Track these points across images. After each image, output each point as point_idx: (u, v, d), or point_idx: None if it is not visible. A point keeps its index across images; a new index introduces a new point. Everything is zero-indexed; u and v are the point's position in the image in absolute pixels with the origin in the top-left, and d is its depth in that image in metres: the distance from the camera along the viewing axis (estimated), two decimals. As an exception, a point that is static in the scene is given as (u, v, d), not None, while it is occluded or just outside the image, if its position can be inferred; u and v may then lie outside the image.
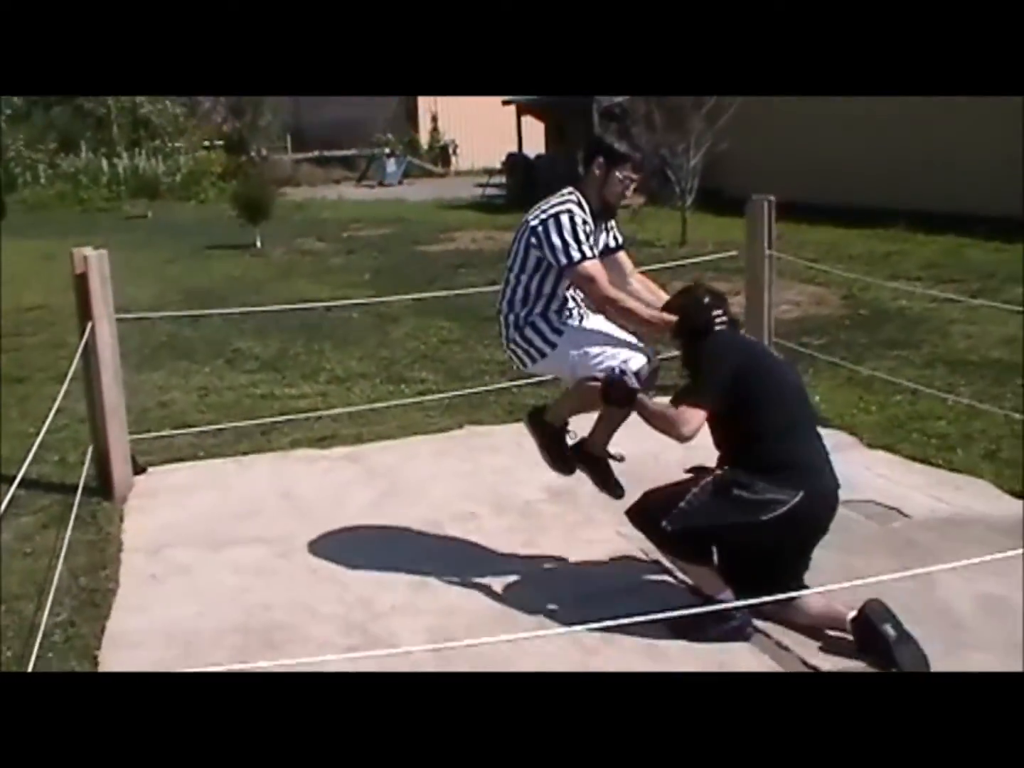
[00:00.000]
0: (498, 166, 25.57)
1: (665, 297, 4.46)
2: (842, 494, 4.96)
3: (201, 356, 8.71)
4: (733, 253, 7.98)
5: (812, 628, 3.93)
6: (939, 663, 3.67)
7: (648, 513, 3.96)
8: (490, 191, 24.18)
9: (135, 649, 3.85)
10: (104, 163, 27.12)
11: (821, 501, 4.02)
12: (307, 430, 6.48)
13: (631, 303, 4.28)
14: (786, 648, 3.81)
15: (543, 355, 4.37)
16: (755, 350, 4.44)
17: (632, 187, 4.36)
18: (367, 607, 4.16)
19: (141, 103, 30.12)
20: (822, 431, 6.06)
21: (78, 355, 5.34)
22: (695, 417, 3.90)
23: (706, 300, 4.20)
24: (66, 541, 4.59)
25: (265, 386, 7.63)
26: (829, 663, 3.68)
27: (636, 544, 4.53)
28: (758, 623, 3.95)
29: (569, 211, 4.24)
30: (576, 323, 4.40)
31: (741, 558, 3.96)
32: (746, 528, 3.82)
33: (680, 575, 4.23)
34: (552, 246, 4.21)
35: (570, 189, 4.36)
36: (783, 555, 3.96)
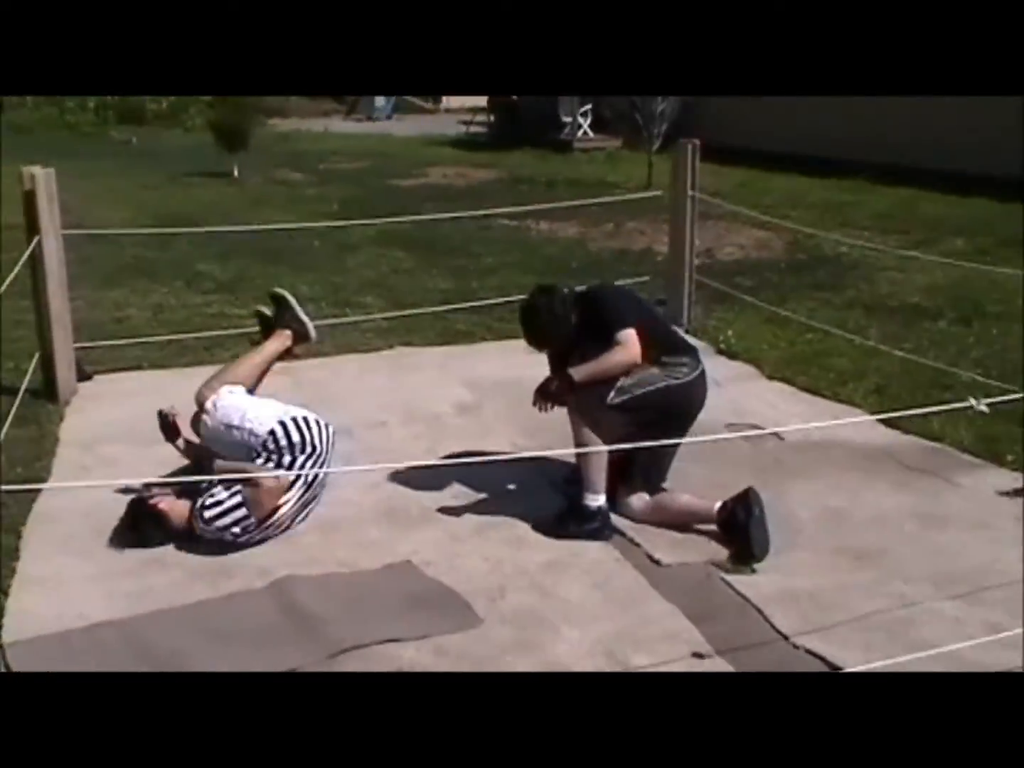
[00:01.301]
0: (484, 104, 25.73)
1: None
2: (728, 418, 5.44)
3: (162, 277, 9.08)
4: (658, 193, 8.35)
5: (680, 525, 4.42)
6: (770, 560, 4.14)
7: (595, 392, 4.39)
8: (474, 129, 24.36)
9: (55, 524, 4.30)
10: (92, 88, 27.20)
11: (702, 384, 4.61)
12: (247, 347, 6.87)
13: None
14: (636, 544, 4.26)
15: None
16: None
17: None
18: (271, 499, 4.60)
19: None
20: (728, 362, 6.56)
21: (19, 266, 5.69)
22: (631, 338, 4.40)
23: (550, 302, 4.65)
24: (2, 435, 4.99)
25: (217, 306, 8.03)
26: (671, 557, 4.14)
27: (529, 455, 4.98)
28: (620, 524, 4.41)
29: None
30: None
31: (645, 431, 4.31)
32: (665, 391, 4.44)
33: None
34: None
35: None
36: (670, 428, 4.35)
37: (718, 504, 4.36)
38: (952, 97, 15.15)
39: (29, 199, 5.69)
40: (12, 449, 5.03)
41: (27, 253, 5.65)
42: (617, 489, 4.49)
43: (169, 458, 4.91)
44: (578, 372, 4.38)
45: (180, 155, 18.98)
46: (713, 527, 4.35)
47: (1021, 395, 4.63)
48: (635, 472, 4.51)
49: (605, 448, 4.31)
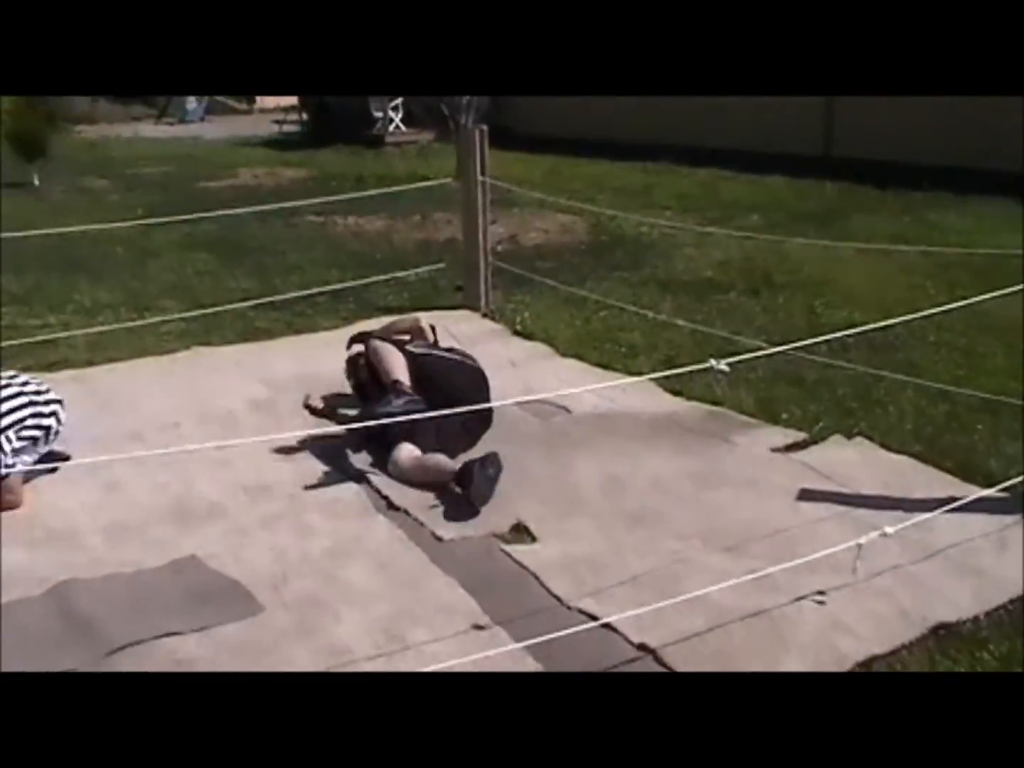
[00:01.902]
0: (296, 103, 25.52)
1: None
2: (520, 396, 5.58)
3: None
4: (447, 180, 8.48)
5: (431, 484, 4.63)
6: (549, 528, 4.28)
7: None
8: (287, 128, 24.14)
9: None
10: None
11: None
12: (40, 356, 6.72)
13: None
14: (421, 523, 4.35)
15: None
16: None
17: None
18: (54, 507, 4.53)
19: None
20: (524, 343, 6.72)
21: None
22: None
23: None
24: None
25: (9, 318, 7.78)
26: (453, 532, 4.24)
27: (317, 449, 5.04)
28: (405, 504, 4.50)
29: None
30: None
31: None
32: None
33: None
34: None
35: None
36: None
37: (457, 466, 4.56)
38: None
39: None
40: None
41: None
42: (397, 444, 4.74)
43: None
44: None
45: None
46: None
47: (764, 352, 4.88)
48: (414, 432, 4.72)
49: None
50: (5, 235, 9.35)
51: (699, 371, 4.50)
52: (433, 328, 5.58)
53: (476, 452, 4.81)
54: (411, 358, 5.07)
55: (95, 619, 3.60)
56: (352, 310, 7.67)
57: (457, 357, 5.27)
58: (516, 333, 7.02)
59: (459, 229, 10.89)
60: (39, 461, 4.76)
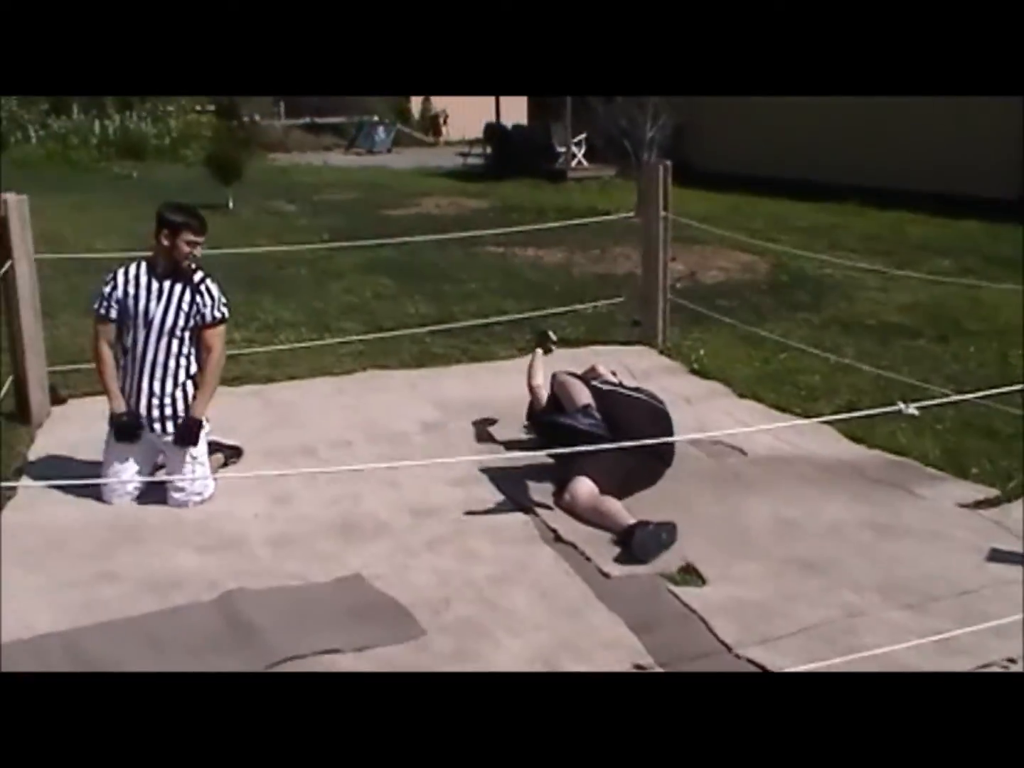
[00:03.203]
0: (481, 136, 25.90)
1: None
2: (693, 434, 5.47)
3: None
4: (628, 215, 8.40)
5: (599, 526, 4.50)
6: (719, 570, 4.13)
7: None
8: (471, 160, 24.51)
9: (12, 539, 4.33)
10: (95, 124, 27.47)
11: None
12: (224, 371, 6.91)
13: (105, 366, 4.84)
14: (588, 558, 4.26)
15: None
16: None
17: (195, 249, 4.81)
18: (228, 515, 4.62)
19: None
20: (699, 382, 6.59)
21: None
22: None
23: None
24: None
25: (198, 332, 8.07)
26: (620, 569, 4.14)
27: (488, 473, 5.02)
28: (572, 538, 4.42)
29: (115, 269, 4.87)
30: None
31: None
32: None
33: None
34: None
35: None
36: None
37: (631, 521, 4.39)
38: (944, 119, 15.32)
39: (1, 225, 5.74)
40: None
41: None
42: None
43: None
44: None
45: (178, 188, 19.07)
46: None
47: (954, 398, 4.63)
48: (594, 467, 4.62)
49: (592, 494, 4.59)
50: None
51: (884, 416, 4.31)
52: (614, 373, 5.52)
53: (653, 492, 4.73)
54: (597, 392, 4.99)
55: (259, 629, 3.64)
56: (528, 340, 7.65)
57: (643, 396, 5.16)
58: (693, 371, 6.88)
59: (638, 264, 10.90)
60: (214, 449, 4.97)
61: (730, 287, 9.73)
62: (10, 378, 6.07)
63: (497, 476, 4.96)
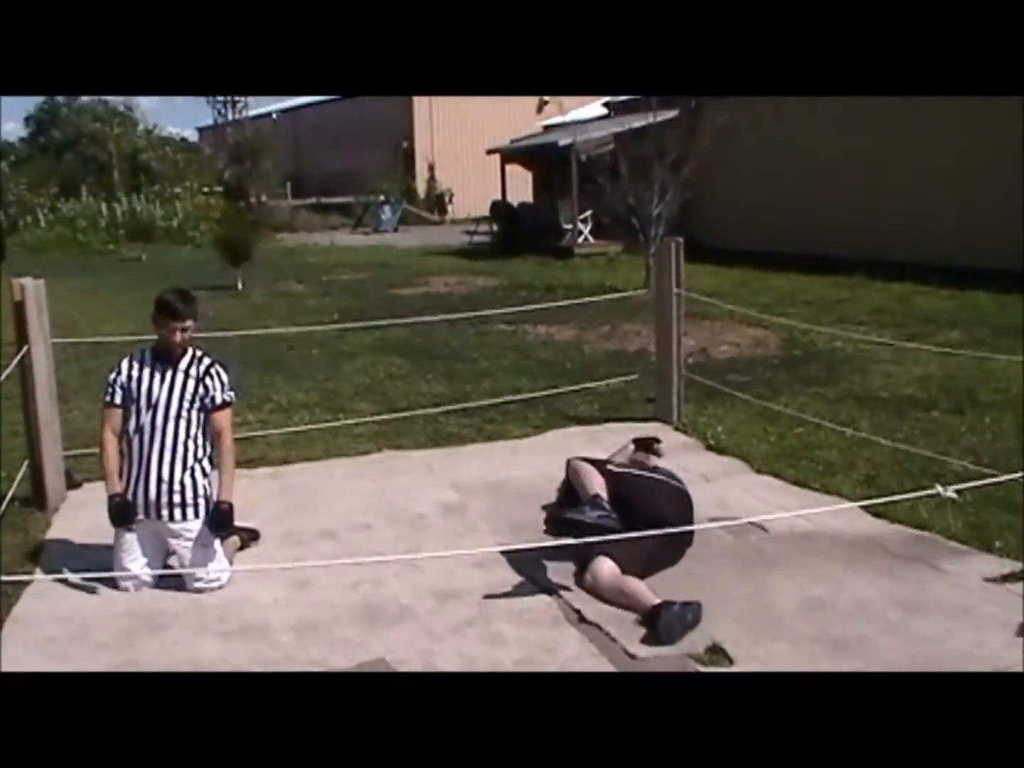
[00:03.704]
0: (487, 214, 26.17)
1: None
2: (714, 512, 5.43)
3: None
4: (639, 291, 8.42)
5: (622, 605, 4.44)
6: (747, 650, 4.08)
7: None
8: (477, 238, 24.73)
9: (33, 628, 4.29)
10: (103, 207, 27.83)
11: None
12: (239, 454, 6.89)
13: (106, 451, 4.85)
14: (614, 639, 4.21)
15: None
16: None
17: (184, 334, 4.81)
18: (249, 600, 4.58)
19: (143, 148, 30.88)
20: (717, 458, 6.56)
21: (3, 375, 5.77)
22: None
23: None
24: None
25: (211, 414, 8.07)
26: (647, 650, 4.09)
27: (508, 555, 4.97)
28: (598, 619, 4.37)
29: (121, 357, 4.96)
30: None
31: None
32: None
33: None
34: None
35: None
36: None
37: (657, 601, 4.34)
38: (949, 192, 15.43)
39: (18, 310, 5.78)
40: (-4, 555, 5.04)
41: (14, 362, 5.73)
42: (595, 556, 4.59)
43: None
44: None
45: (186, 270, 19.30)
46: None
47: (999, 479, 4.60)
48: (616, 546, 4.56)
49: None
50: (211, 335, 9.78)
51: (904, 491, 4.28)
52: (653, 451, 5.52)
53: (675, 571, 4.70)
54: (613, 477, 4.97)
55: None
56: (543, 418, 7.66)
57: (660, 477, 5.14)
58: (709, 447, 6.86)
59: (648, 340, 10.94)
60: (231, 532, 4.98)
61: (742, 362, 9.74)
62: (25, 462, 6.07)
63: (518, 558, 4.92)
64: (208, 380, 4.87)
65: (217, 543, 4.82)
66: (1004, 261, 14.46)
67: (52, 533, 5.50)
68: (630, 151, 14.90)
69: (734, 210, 18.42)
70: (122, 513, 4.79)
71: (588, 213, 20.87)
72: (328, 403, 8.36)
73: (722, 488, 5.97)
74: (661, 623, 4.16)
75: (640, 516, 4.57)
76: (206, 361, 4.93)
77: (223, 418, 4.90)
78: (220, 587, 4.72)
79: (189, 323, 4.84)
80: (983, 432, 7.14)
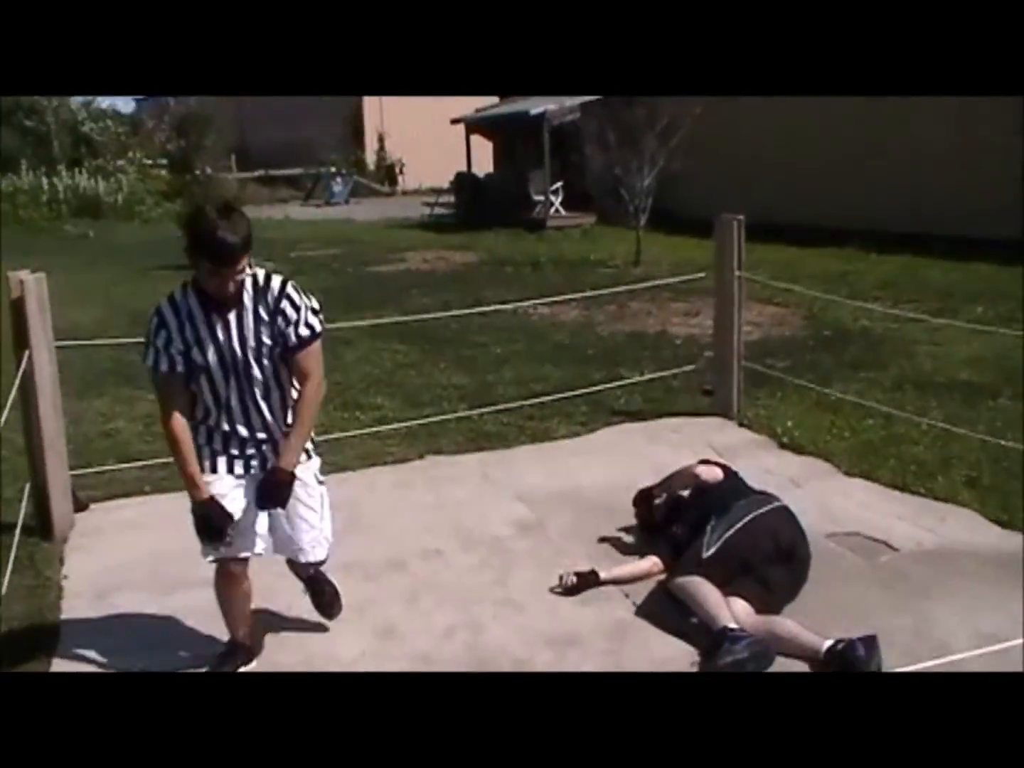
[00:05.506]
0: (446, 185, 25.37)
1: None
2: (825, 527, 4.81)
3: (147, 383, 8.27)
4: (702, 275, 7.76)
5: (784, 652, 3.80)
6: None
7: (689, 555, 4.23)
8: (438, 211, 23.94)
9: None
10: (44, 182, 26.57)
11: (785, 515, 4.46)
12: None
13: (180, 443, 3.57)
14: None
15: None
16: None
17: (226, 281, 3.43)
18: (331, 656, 3.87)
19: (83, 121, 29.63)
20: (795, 458, 5.94)
21: (15, 385, 4.99)
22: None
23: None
24: (3, 588, 4.25)
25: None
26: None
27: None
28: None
29: (158, 307, 3.56)
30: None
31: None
32: (748, 527, 4.24)
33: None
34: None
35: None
36: (770, 562, 4.16)
37: (828, 643, 3.70)
38: (945, 160, 14.94)
39: (17, 309, 4.98)
40: (10, 604, 4.28)
41: (19, 371, 4.94)
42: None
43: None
44: None
45: (142, 248, 18.35)
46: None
47: None
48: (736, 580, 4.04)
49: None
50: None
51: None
52: (724, 466, 4.83)
53: (805, 597, 4.07)
54: (713, 562, 4.11)
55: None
56: (586, 413, 6.98)
57: (752, 513, 4.29)
58: (783, 446, 6.20)
59: (664, 321, 10.32)
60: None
61: (774, 344, 9.12)
62: (27, 485, 5.28)
63: (632, 592, 4.27)
64: (286, 307, 3.54)
65: (324, 499, 3.87)
66: (1002, 230, 13.98)
67: (69, 571, 4.73)
68: (620, 119, 14.15)
69: (715, 179, 17.77)
70: (209, 523, 3.55)
71: (559, 184, 20.15)
72: (340, 398, 7.60)
73: (819, 496, 5.34)
74: (854, 658, 3.54)
75: (756, 558, 4.10)
76: (275, 283, 3.57)
77: (308, 357, 3.62)
78: (322, 562, 3.92)
79: (244, 263, 3.46)
80: (1066, 420, 6.59)
